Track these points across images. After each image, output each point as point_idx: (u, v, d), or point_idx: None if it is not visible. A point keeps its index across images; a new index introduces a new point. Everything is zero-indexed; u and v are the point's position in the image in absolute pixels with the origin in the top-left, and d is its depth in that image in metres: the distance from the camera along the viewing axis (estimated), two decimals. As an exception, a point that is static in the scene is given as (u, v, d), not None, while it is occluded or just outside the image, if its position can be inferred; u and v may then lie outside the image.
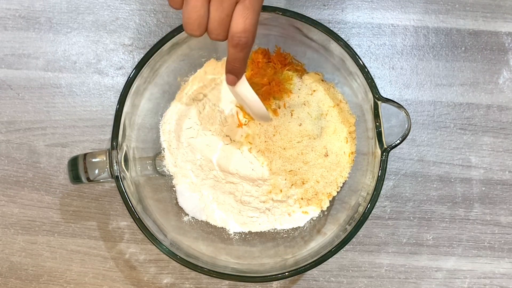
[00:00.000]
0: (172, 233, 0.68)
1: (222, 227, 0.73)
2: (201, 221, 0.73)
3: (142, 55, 0.65)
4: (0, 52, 0.76)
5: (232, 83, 0.61)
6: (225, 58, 0.74)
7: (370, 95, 0.65)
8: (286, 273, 0.64)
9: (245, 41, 0.56)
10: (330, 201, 0.73)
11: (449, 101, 0.77)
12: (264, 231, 0.73)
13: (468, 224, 0.76)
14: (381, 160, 0.64)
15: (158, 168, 0.72)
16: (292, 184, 0.71)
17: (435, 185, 0.76)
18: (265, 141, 0.70)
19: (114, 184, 0.64)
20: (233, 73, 0.60)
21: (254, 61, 0.72)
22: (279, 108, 0.71)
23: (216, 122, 0.71)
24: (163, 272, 0.74)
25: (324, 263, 0.64)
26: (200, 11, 0.54)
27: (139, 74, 0.64)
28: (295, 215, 0.73)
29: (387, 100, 0.64)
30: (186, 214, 0.73)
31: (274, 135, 0.70)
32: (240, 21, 0.55)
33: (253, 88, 0.63)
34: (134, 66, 0.65)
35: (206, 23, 0.55)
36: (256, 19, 0.56)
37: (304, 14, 0.66)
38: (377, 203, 0.65)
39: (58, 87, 0.76)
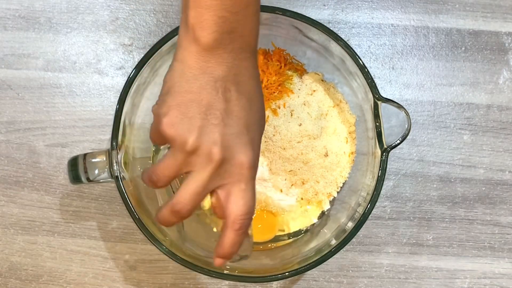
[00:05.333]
0: (171, 233, 0.68)
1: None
2: (201, 221, 0.73)
3: (142, 55, 0.64)
4: (0, 52, 0.76)
5: (221, 266, 0.55)
6: None
7: (370, 95, 0.65)
8: (286, 273, 0.64)
9: (248, 223, 0.52)
10: (330, 201, 0.73)
11: (449, 101, 0.77)
12: (264, 231, 0.73)
13: (468, 224, 0.76)
14: (381, 160, 0.64)
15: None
16: (292, 184, 0.71)
17: (435, 185, 0.76)
18: (265, 141, 0.70)
19: (114, 184, 0.63)
20: (227, 258, 0.54)
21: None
22: (279, 108, 0.71)
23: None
24: (163, 272, 0.74)
25: (324, 263, 0.64)
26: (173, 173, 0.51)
27: (139, 74, 0.64)
28: (295, 215, 0.73)
29: (387, 100, 0.64)
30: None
31: (274, 135, 0.70)
32: (241, 203, 0.51)
33: None
34: (134, 66, 0.64)
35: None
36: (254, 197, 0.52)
37: (304, 14, 0.66)
38: (377, 203, 0.65)
39: (58, 87, 0.76)
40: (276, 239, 0.73)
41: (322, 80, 0.74)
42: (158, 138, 0.51)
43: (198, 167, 0.50)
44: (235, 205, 0.51)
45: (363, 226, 0.64)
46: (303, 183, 0.71)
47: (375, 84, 0.65)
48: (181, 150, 0.49)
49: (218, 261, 0.54)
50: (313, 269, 0.66)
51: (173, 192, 0.68)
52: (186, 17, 0.48)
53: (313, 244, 0.69)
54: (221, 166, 0.50)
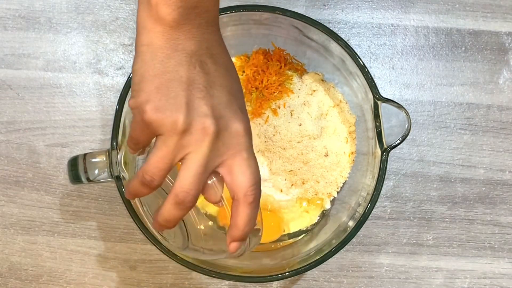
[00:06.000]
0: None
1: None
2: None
3: (142, 55, 0.64)
4: (0, 52, 0.76)
5: (235, 251, 0.51)
6: None
7: (370, 95, 0.65)
8: (286, 273, 0.64)
9: (260, 193, 0.49)
10: (330, 201, 0.73)
11: (449, 101, 0.77)
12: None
13: (468, 224, 0.76)
14: (381, 160, 0.64)
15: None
16: (292, 184, 0.71)
17: (435, 185, 0.76)
18: (265, 141, 0.70)
19: (114, 184, 0.63)
20: (243, 238, 0.50)
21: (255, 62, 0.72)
22: (279, 108, 0.71)
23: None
24: (163, 272, 0.74)
25: (324, 263, 0.64)
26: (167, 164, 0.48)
27: (139, 74, 0.64)
28: (295, 215, 0.73)
29: (387, 100, 0.64)
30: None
31: (274, 135, 0.70)
32: (248, 173, 0.48)
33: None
34: (134, 66, 0.64)
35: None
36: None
37: (304, 14, 0.65)
38: (377, 203, 0.65)
39: (58, 87, 0.76)
40: (276, 239, 0.73)
41: (322, 80, 0.73)
42: (143, 132, 0.49)
43: (194, 146, 0.47)
44: (243, 177, 0.48)
45: (363, 226, 0.64)
46: (303, 183, 0.71)
47: (375, 84, 0.65)
48: (173, 133, 0.47)
49: (233, 246, 0.50)
50: (313, 269, 0.66)
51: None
52: None
53: (313, 244, 0.69)
54: (218, 139, 0.47)
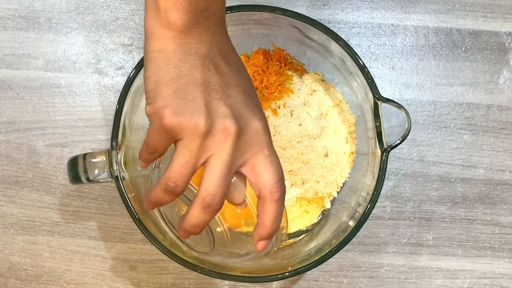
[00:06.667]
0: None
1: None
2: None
3: (142, 55, 0.64)
4: (0, 52, 0.76)
5: (263, 250, 0.51)
6: None
7: (370, 95, 0.65)
8: (286, 273, 0.64)
9: (285, 189, 0.50)
10: (330, 201, 0.73)
11: (449, 101, 0.77)
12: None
13: (468, 224, 0.76)
14: (381, 160, 0.64)
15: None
16: (292, 184, 0.71)
17: (435, 185, 0.76)
18: (265, 141, 0.70)
19: (114, 184, 0.63)
20: (270, 236, 0.51)
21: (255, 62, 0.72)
22: (279, 108, 0.71)
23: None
24: (163, 272, 0.74)
25: (324, 263, 0.64)
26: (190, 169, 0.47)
27: (139, 73, 0.64)
28: (295, 215, 0.73)
29: (387, 100, 0.64)
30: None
31: (274, 135, 0.70)
32: (272, 170, 0.49)
33: None
34: (134, 66, 0.65)
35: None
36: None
37: (304, 14, 0.65)
38: (377, 203, 0.65)
39: (58, 87, 0.76)
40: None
41: (322, 80, 0.73)
42: (163, 138, 0.48)
43: (217, 147, 0.47)
44: (267, 174, 0.48)
45: (363, 226, 0.64)
46: (303, 183, 0.71)
47: (375, 84, 0.65)
48: (195, 136, 0.46)
49: (261, 245, 0.50)
50: (313, 269, 0.66)
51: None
52: (156, 2, 0.46)
53: (313, 244, 0.69)
54: (239, 138, 0.47)
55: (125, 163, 0.64)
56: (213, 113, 0.47)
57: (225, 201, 0.50)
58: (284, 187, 0.50)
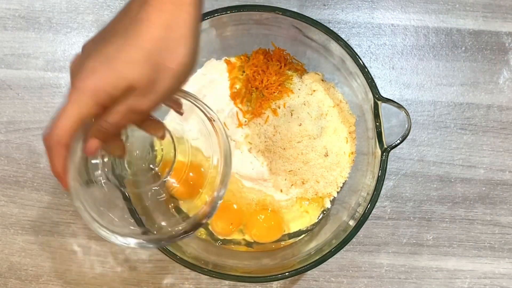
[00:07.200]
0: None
1: (222, 227, 0.73)
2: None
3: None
4: (0, 52, 0.76)
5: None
6: (225, 58, 0.74)
7: (370, 95, 0.65)
8: (286, 273, 0.64)
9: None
10: (330, 201, 0.73)
11: (449, 101, 0.77)
12: (264, 231, 0.73)
13: (468, 224, 0.76)
14: (381, 160, 0.64)
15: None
16: (292, 184, 0.71)
17: (435, 185, 0.76)
18: (265, 141, 0.70)
19: (114, 184, 0.64)
20: (98, 134, 0.50)
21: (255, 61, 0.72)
22: (279, 108, 0.71)
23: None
24: (163, 272, 0.74)
25: (324, 263, 0.64)
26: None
27: (139, 74, 0.64)
28: (295, 215, 0.73)
29: (387, 100, 0.64)
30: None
31: (274, 135, 0.70)
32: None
33: None
34: (134, 66, 0.64)
35: None
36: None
37: (304, 14, 0.65)
38: (377, 203, 0.65)
39: (58, 87, 0.76)
40: (277, 239, 0.73)
41: (322, 80, 0.73)
42: None
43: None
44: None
45: (363, 226, 0.64)
46: (303, 183, 0.71)
47: (375, 84, 0.65)
48: None
49: (90, 143, 0.50)
50: (313, 269, 0.66)
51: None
52: None
53: (313, 244, 0.69)
54: None
55: (128, 162, 0.64)
56: None
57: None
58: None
